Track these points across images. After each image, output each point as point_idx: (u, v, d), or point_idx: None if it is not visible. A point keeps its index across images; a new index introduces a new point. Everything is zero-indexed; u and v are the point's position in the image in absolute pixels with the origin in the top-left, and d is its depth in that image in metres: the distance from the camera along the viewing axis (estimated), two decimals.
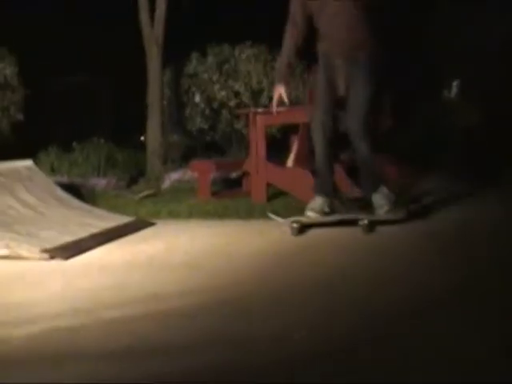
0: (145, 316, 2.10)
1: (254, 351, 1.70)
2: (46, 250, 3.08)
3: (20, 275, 2.81)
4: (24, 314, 2.16)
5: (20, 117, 6.74)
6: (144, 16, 6.43)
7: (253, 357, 1.66)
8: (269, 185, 4.76)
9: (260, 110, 5.11)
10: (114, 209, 4.36)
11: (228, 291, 2.36)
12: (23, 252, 3.09)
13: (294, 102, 6.42)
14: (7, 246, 3.13)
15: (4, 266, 2.98)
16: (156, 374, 1.57)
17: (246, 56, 7.23)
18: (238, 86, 7.14)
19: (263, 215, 3.98)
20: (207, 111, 7.23)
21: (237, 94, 7.14)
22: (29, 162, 4.50)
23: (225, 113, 7.16)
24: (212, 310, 2.13)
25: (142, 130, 6.96)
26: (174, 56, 7.18)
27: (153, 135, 6.52)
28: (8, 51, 6.65)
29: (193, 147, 7.04)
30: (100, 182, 5.52)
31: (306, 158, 4.92)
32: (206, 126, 7.23)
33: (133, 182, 5.90)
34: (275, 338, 1.80)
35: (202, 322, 2.00)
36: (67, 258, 3.06)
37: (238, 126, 6.98)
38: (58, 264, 2.98)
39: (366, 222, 3.33)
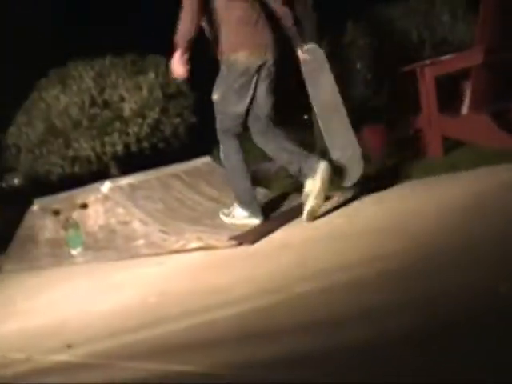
0: (335, 287, 2.09)
1: (441, 313, 1.61)
2: (233, 238, 3.24)
3: (214, 263, 2.98)
4: (222, 298, 2.27)
5: (193, 119, 7.19)
6: None
7: (438, 321, 1.57)
8: (444, 138, 4.52)
9: (427, 61, 4.85)
10: (287, 189, 4.44)
11: (414, 253, 2.27)
12: (213, 242, 3.28)
13: (459, 46, 5.99)
14: (199, 239, 3.35)
15: (198, 256, 3.19)
16: (349, 345, 1.56)
17: (401, 13, 6.92)
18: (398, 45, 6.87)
19: (442, 171, 3.79)
20: (369, 76, 7.07)
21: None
22: (207, 159, 4.76)
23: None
24: (400, 274, 2.06)
25: (305, 108, 6.98)
26: (329, 27, 7.09)
27: None
28: None
29: (358, 115, 6.92)
30: (272, 166, 5.65)
31: (483, 101, 4.58)
32: (369, 92, 7.07)
33: None
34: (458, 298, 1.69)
35: (389, 287, 1.94)
36: (253, 242, 3.18)
37: (403, 84, 6.72)
38: (245, 249, 3.11)
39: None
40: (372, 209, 3.32)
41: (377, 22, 7.10)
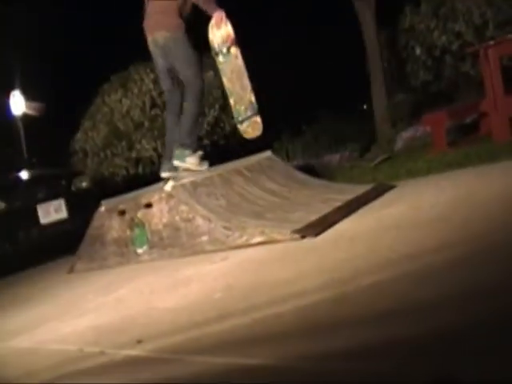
0: (401, 277, 2.06)
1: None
2: (296, 231, 3.23)
3: (278, 257, 2.98)
4: (288, 291, 2.27)
5: None
6: None
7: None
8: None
9: (491, 42, 4.66)
10: (351, 180, 4.39)
11: (479, 242, 2.19)
12: (276, 236, 3.28)
13: None
14: (262, 233, 3.36)
15: (262, 250, 3.20)
16: (416, 333, 1.53)
17: None
18: (459, 27, 6.64)
19: (510, 156, 3.65)
20: (429, 62, 6.87)
21: (458, 35, 6.64)
22: (268, 153, 4.77)
23: (448, 58, 6.73)
24: (466, 263, 2.00)
25: (363, 97, 6.89)
26: (386, 15, 6.97)
27: (378, 99, 6.41)
28: None
29: (419, 102, 6.75)
30: (333, 158, 5.62)
31: None
32: (429, 78, 6.87)
33: (365, 150, 5.88)
34: None
35: (458, 276, 1.88)
36: (317, 234, 3.15)
37: (465, 68, 6.50)
38: (309, 241, 3.09)
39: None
40: (433, 198, 3.24)
41: (438, 3, 6.88)
